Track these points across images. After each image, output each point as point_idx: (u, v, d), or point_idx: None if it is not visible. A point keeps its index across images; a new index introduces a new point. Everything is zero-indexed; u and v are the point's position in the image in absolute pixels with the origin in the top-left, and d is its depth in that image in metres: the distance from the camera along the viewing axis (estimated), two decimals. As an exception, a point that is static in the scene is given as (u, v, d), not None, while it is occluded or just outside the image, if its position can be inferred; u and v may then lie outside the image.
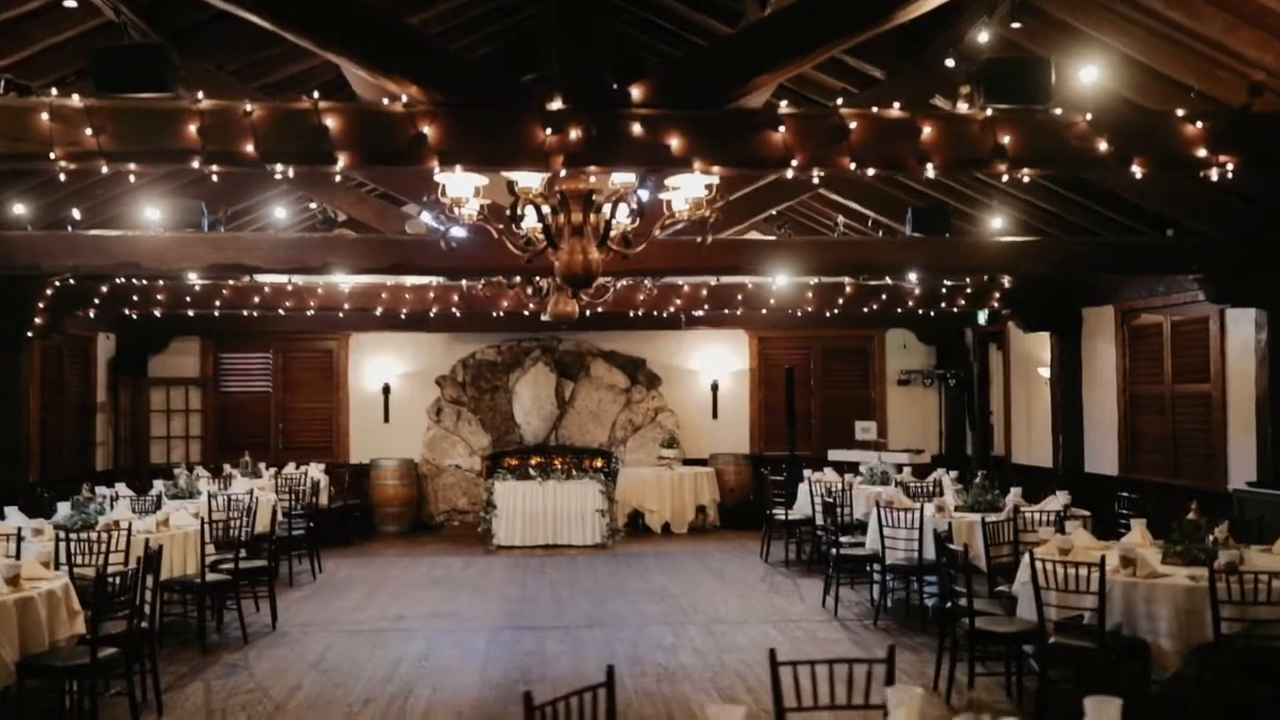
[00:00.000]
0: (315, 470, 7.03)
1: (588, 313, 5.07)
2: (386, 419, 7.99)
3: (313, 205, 6.36)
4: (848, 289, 6.64)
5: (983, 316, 7.16)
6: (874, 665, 1.93)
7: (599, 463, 7.67)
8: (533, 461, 7.46)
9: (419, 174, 4.40)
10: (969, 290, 6.59)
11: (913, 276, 6.36)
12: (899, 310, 6.86)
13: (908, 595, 4.71)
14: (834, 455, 7.37)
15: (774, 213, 5.90)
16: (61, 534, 3.92)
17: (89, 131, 2.59)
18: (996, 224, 5.07)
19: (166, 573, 4.01)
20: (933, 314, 7.09)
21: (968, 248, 4.76)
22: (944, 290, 6.61)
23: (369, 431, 7.99)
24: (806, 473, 6.39)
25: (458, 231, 4.07)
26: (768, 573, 5.99)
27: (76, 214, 4.51)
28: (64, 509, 4.37)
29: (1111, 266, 4.80)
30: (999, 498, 4.81)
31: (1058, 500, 4.71)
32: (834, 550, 5.00)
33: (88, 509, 4.41)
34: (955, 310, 6.81)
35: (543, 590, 5.52)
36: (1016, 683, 3.36)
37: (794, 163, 2.67)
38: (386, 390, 7.97)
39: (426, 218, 6.19)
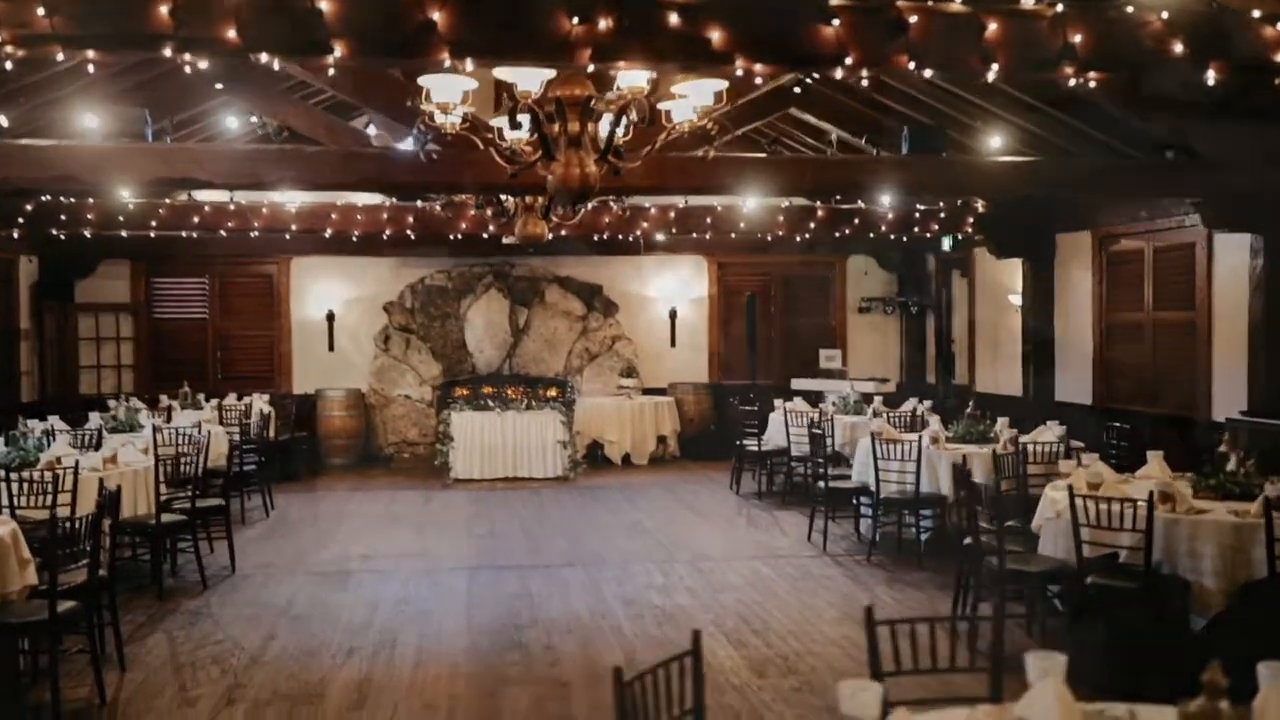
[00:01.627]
0: (260, 402, 6.67)
1: (551, 235, 4.77)
2: (331, 347, 7.60)
3: (254, 119, 5.93)
4: (819, 213, 6.41)
5: (947, 243, 6.99)
6: (971, 623, 1.73)
7: (554, 392, 7.39)
8: (485, 391, 7.15)
9: (389, 81, 4.06)
10: (942, 215, 6.41)
11: (886, 200, 6.18)
12: (869, 236, 6.67)
13: (899, 529, 4.56)
14: (798, 384, 7.19)
15: (740, 133, 5.61)
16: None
17: (41, 11, 2.21)
18: (994, 143, 4.86)
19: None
20: (903, 239, 6.91)
21: (963, 167, 4.54)
22: (917, 215, 6.42)
23: (314, 360, 7.60)
24: (778, 402, 6.21)
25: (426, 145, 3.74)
26: (741, 505, 5.84)
27: (2, 120, 4.06)
28: (-5, 444, 4.01)
29: (1109, 187, 4.62)
30: (989, 428, 4.67)
31: (1050, 431, 4.57)
32: (820, 483, 4.85)
33: (25, 444, 4.04)
34: (927, 236, 6.63)
35: (512, 525, 5.29)
36: (1040, 626, 3.21)
37: (847, 61, 2.40)
38: (331, 317, 7.56)
39: (374, 130, 5.81)
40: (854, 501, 4.81)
